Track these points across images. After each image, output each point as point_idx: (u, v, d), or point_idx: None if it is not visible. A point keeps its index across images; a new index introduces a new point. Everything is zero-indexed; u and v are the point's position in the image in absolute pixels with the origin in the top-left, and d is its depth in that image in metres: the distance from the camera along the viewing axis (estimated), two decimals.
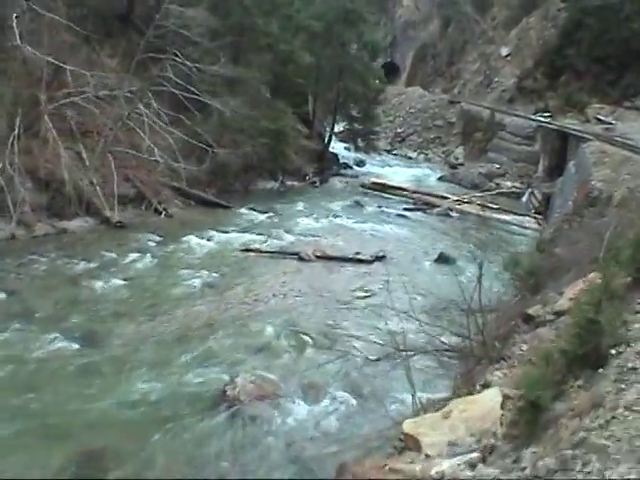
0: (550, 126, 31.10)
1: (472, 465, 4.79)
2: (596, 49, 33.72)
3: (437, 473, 4.80)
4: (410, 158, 39.77)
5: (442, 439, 5.38)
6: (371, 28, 32.41)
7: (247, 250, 18.37)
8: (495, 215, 24.50)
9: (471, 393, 8.08)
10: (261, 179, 27.01)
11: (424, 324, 10.09)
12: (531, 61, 39.31)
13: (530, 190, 28.40)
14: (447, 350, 9.78)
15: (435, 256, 18.65)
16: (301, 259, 18.05)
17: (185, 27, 19.81)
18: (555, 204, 21.89)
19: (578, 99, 33.54)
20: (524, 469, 4.23)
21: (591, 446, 3.94)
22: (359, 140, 34.09)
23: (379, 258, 18.49)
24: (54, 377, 10.79)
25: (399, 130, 43.51)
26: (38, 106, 19.14)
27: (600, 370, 5.22)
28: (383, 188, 27.78)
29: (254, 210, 23.30)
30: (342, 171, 32.48)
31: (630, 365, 4.95)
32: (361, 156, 35.54)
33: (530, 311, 10.44)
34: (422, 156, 39.98)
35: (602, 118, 30.59)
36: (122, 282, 15.49)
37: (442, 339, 9.84)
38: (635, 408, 4.23)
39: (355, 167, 34.27)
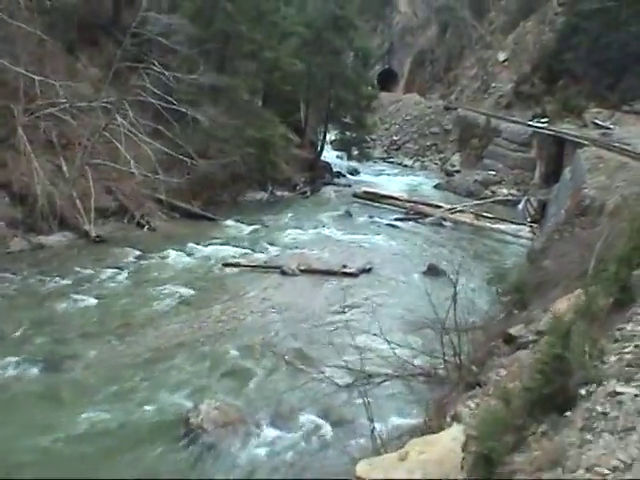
0: (546, 132, 30.42)
1: None
2: (594, 53, 33.09)
3: None
4: (406, 166, 39.11)
5: None
6: (362, 34, 31.73)
7: (228, 265, 17.71)
8: (489, 224, 23.78)
9: (441, 426, 7.43)
10: (250, 190, 26.35)
11: (400, 346, 9.46)
12: (528, 66, 38.74)
13: (526, 198, 27.68)
14: (421, 374, 9.11)
15: (424, 268, 17.94)
16: (284, 273, 17.38)
17: (163, 35, 19.22)
18: (549, 212, 21.17)
19: (576, 103, 32.91)
20: None
21: None
22: (352, 148, 33.41)
23: (365, 271, 17.85)
24: (6, 405, 10.16)
25: (395, 138, 42.89)
26: (13, 118, 18.59)
27: (567, 413, 4.54)
28: (375, 197, 27.10)
29: (240, 222, 22.67)
30: (335, 180, 31.84)
31: (600, 409, 4.25)
32: (355, 165, 34.84)
33: (512, 331, 9.76)
34: (418, 164, 39.31)
35: (600, 123, 29.90)
36: (94, 301, 14.87)
37: (416, 362, 9.18)
38: (597, 469, 3.54)
39: (349, 176, 33.61)
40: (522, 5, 44.44)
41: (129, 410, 10.24)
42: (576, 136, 26.97)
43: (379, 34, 61.13)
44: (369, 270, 17.90)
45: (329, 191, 29.66)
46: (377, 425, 8.84)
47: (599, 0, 32.87)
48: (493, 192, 30.07)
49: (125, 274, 16.73)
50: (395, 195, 27.40)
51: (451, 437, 5.58)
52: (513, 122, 34.00)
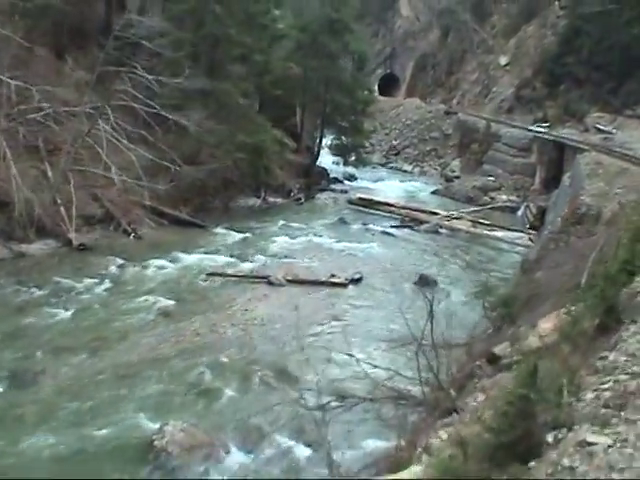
0: (546, 137, 29.77)
1: None
2: (596, 56, 32.53)
3: None
4: (405, 171, 38.37)
5: None
6: (358, 38, 31.10)
7: (212, 274, 17.11)
8: (487, 232, 23.13)
9: (411, 457, 6.86)
10: (243, 196, 25.71)
11: (376, 367, 8.90)
12: (530, 70, 38.09)
13: (526, 204, 27.02)
14: (397, 397, 8.51)
15: (415, 278, 17.32)
16: (270, 283, 16.80)
17: (147, 38, 18.69)
18: (547, 220, 20.51)
19: (577, 108, 32.31)
20: None
21: None
22: (349, 154, 32.71)
23: (355, 281, 17.28)
24: None
25: (395, 142, 42.18)
26: None
27: (532, 463, 3.93)
28: (370, 204, 26.46)
29: (230, 229, 22.04)
30: (331, 186, 31.14)
31: (567, 463, 3.63)
32: (353, 170, 34.10)
33: (496, 350, 9.15)
34: (418, 169, 38.58)
35: (601, 127, 29.27)
36: (70, 312, 14.37)
37: (393, 384, 8.58)
38: None
39: (345, 182, 32.90)
40: (524, 8, 43.82)
41: (93, 432, 9.70)
42: (576, 141, 26.34)
43: (381, 38, 60.59)
44: (358, 280, 17.32)
45: (324, 197, 29.05)
46: (346, 452, 8.31)
47: (601, 3, 32.30)
48: (492, 198, 29.43)
49: (105, 284, 16.18)
50: (391, 201, 26.77)
51: None
52: (513, 127, 33.35)
